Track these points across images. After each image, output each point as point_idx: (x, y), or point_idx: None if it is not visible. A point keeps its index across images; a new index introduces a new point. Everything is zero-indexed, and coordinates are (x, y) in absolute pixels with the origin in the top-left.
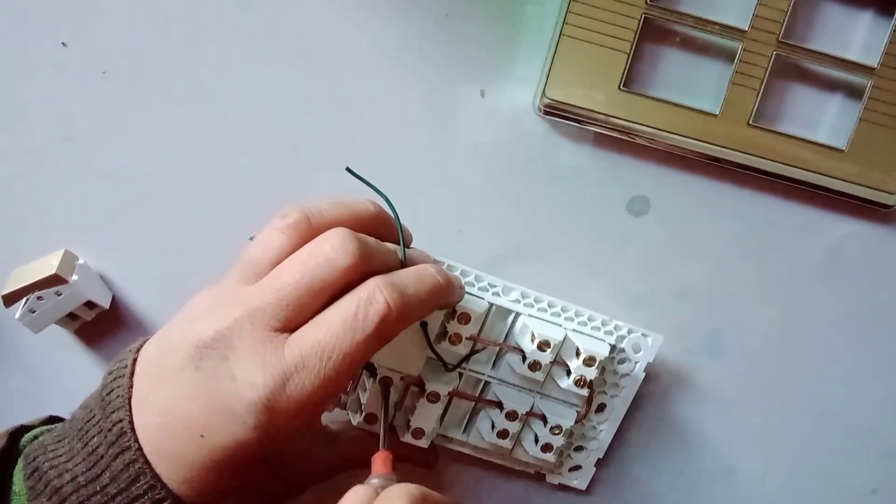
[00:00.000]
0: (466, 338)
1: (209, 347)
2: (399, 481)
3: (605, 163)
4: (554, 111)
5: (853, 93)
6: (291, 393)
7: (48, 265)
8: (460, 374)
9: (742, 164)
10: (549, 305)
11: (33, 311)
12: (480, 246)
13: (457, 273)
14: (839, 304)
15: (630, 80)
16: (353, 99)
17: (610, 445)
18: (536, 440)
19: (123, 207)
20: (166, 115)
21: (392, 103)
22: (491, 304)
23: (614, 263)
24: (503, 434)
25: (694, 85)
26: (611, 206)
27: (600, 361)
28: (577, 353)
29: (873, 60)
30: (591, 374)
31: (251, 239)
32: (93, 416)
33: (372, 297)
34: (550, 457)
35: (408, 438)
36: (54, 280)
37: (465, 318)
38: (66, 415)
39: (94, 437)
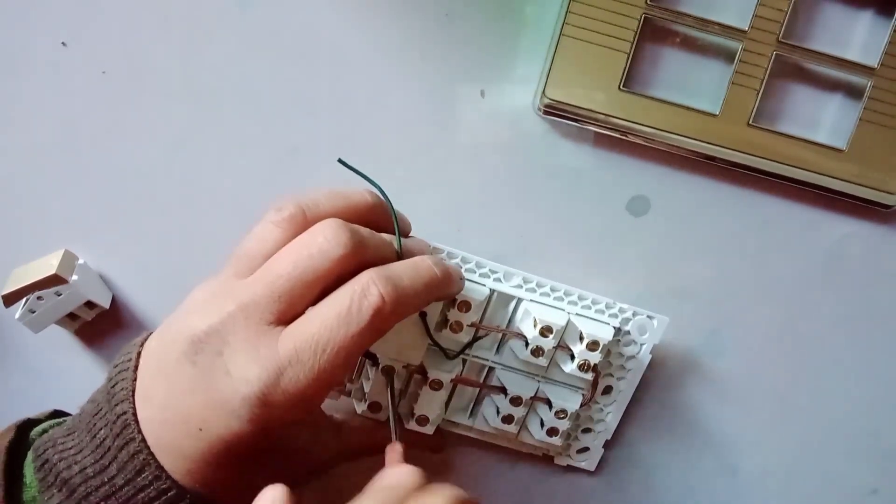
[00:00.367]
0: (468, 325)
1: (203, 342)
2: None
3: (605, 163)
4: (554, 111)
5: (853, 93)
6: (286, 386)
7: (48, 265)
8: (464, 361)
9: (742, 164)
10: (552, 290)
11: (33, 311)
12: (480, 245)
13: (457, 260)
14: (839, 304)
15: (630, 80)
16: (353, 99)
17: (618, 427)
18: (542, 424)
19: (123, 207)
20: (166, 115)
21: (392, 103)
22: (492, 291)
23: (614, 263)
24: (508, 419)
25: (694, 85)
26: (611, 206)
27: (604, 345)
28: (581, 338)
29: (873, 60)
30: (594, 358)
31: None
32: (100, 409)
33: (366, 290)
34: (556, 440)
35: (413, 426)
36: (54, 280)
37: (466, 307)
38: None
39: (101, 429)
